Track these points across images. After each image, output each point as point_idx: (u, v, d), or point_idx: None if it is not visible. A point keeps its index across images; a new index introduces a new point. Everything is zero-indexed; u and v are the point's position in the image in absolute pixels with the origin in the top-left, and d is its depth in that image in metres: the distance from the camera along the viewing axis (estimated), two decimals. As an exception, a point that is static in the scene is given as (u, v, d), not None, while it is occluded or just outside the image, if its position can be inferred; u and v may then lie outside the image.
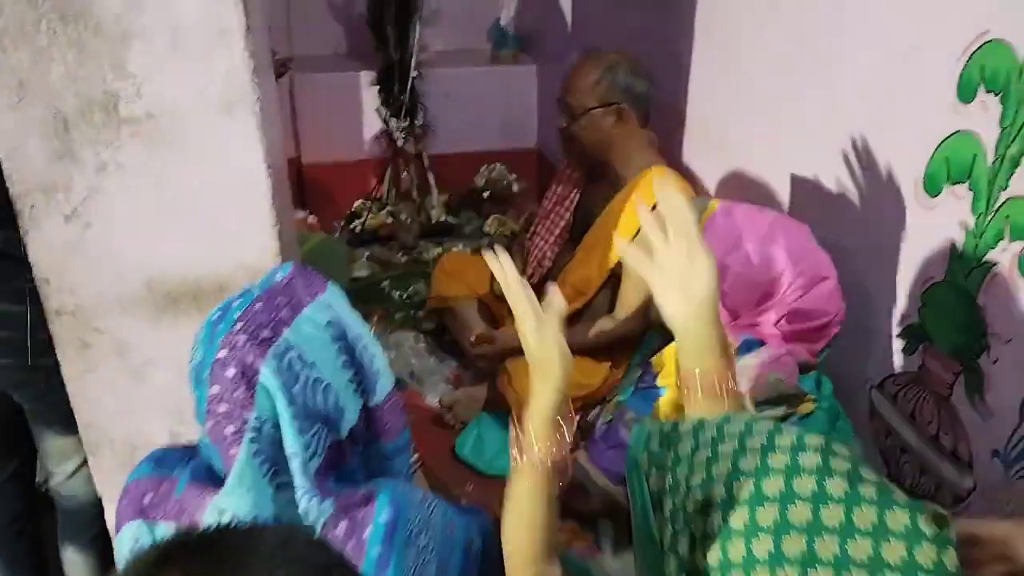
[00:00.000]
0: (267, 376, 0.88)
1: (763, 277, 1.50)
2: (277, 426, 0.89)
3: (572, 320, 2.17)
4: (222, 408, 0.90)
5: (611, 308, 2.13)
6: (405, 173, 3.31)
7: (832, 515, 0.63)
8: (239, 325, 0.90)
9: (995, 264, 1.30)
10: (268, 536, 0.56)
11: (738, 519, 0.65)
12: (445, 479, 1.97)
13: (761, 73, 1.87)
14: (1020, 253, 1.25)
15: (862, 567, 0.60)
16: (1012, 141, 1.22)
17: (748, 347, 1.46)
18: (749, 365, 1.39)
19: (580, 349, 2.12)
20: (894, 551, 0.61)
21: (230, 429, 0.90)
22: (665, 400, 1.52)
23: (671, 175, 2.05)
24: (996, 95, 1.23)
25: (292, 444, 0.89)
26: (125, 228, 1.26)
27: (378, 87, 3.22)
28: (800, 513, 0.63)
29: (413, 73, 3.11)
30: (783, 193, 1.85)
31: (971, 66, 1.27)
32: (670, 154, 2.30)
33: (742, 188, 2.01)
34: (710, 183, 2.18)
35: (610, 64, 2.04)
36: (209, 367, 0.91)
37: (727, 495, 0.67)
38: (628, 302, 2.05)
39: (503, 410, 2.08)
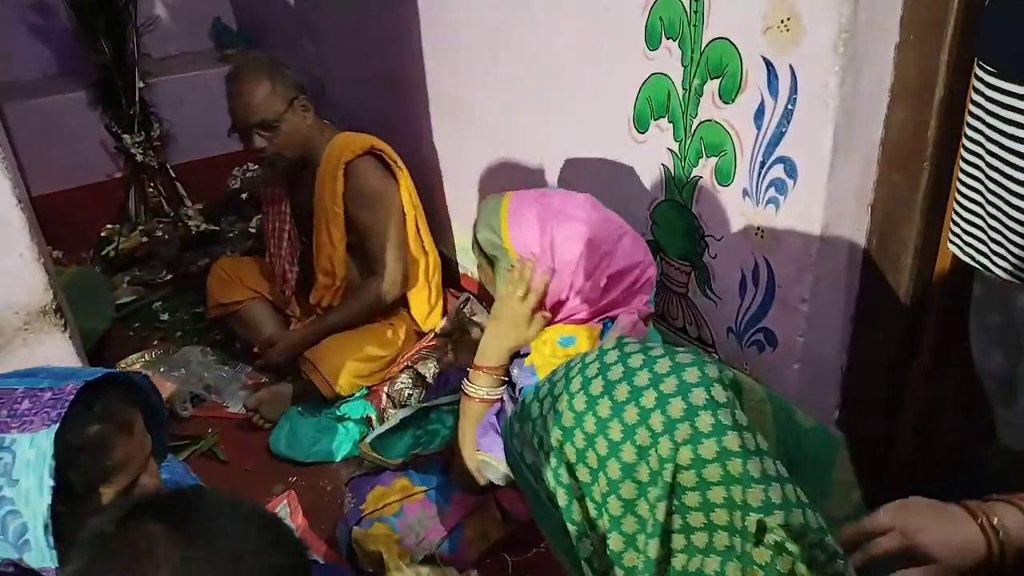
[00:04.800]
0: None
1: (588, 258, 1.45)
2: None
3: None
4: None
5: (365, 273, 2.24)
6: (152, 188, 3.16)
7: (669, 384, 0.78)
8: None
9: (700, 178, 1.57)
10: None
11: (591, 424, 0.79)
12: (265, 478, 1.99)
13: (485, 41, 2.04)
14: (715, 165, 1.53)
15: (683, 418, 0.76)
16: (693, 76, 1.48)
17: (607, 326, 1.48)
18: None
19: (360, 319, 2.22)
20: (699, 397, 0.77)
21: None
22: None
23: (353, 138, 2.20)
24: (675, 40, 1.49)
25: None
26: None
27: (102, 104, 3.04)
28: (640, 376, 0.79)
29: (139, 84, 2.96)
30: (523, 154, 2.05)
31: (652, 18, 1.52)
32: (418, 133, 2.43)
33: (487, 157, 2.19)
34: (459, 156, 2.34)
35: (268, 68, 2.13)
36: None
37: (574, 414, 0.81)
38: (379, 253, 2.19)
39: (315, 400, 2.13)
